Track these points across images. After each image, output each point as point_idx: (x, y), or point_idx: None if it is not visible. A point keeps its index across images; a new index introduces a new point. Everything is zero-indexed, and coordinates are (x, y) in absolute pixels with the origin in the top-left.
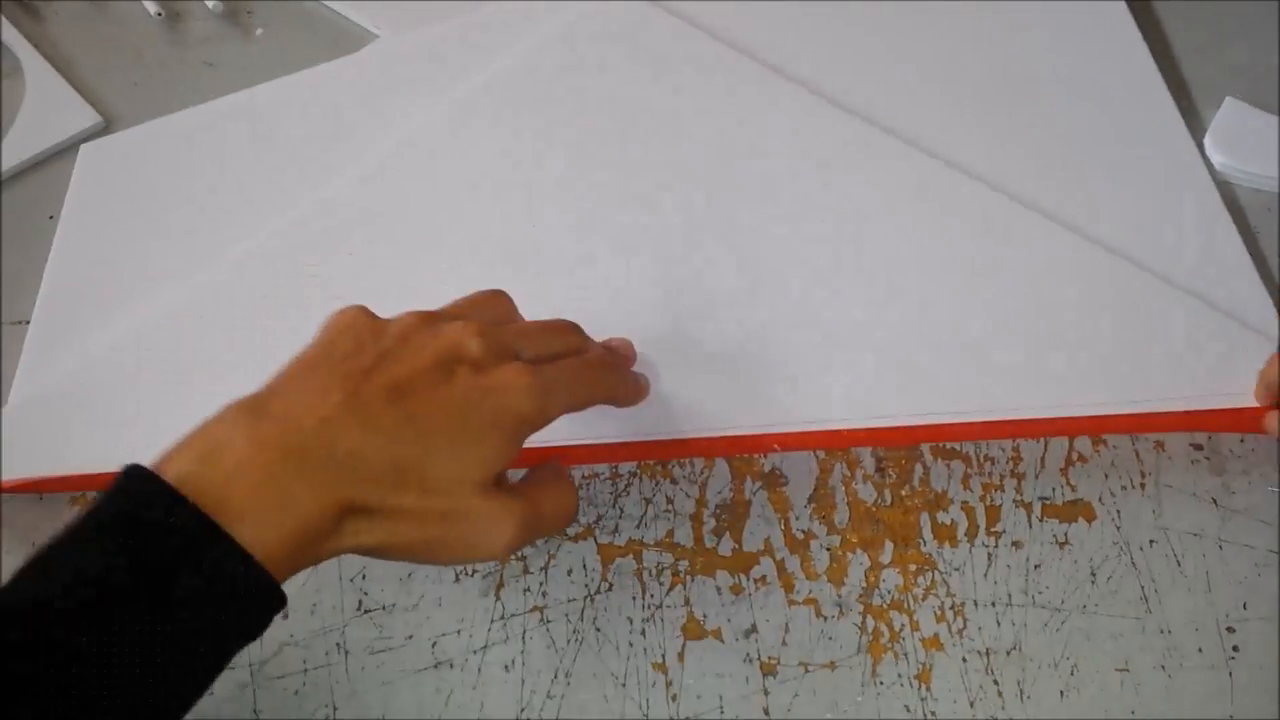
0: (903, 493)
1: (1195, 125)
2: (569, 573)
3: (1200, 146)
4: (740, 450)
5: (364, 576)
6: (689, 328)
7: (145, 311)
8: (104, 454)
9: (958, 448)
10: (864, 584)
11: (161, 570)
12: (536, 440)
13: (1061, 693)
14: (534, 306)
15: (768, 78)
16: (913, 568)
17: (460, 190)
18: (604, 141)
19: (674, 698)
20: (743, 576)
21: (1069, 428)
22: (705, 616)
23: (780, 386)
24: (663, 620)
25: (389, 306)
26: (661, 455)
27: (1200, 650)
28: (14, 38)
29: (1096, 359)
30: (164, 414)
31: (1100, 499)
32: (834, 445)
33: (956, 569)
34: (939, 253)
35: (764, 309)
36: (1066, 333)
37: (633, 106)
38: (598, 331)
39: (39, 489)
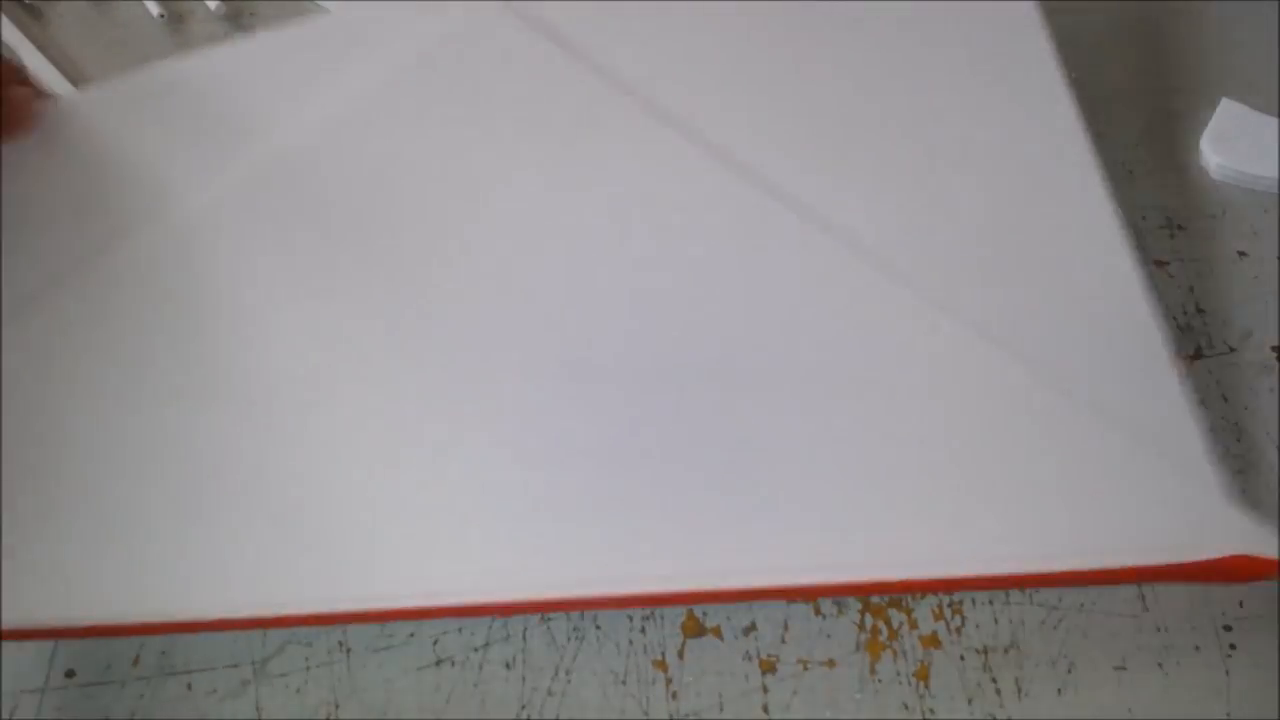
0: None
1: (1192, 126)
2: None
3: (1197, 148)
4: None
5: None
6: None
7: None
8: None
9: None
10: None
11: None
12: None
13: (1059, 690)
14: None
15: (654, 128)
16: None
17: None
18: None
19: (674, 695)
20: None
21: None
22: (705, 614)
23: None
24: (662, 618)
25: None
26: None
27: (1197, 649)
28: (16, 39)
29: (1011, 500)
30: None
31: None
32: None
33: None
34: (843, 360)
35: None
36: (985, 468)
37: (492, 135)
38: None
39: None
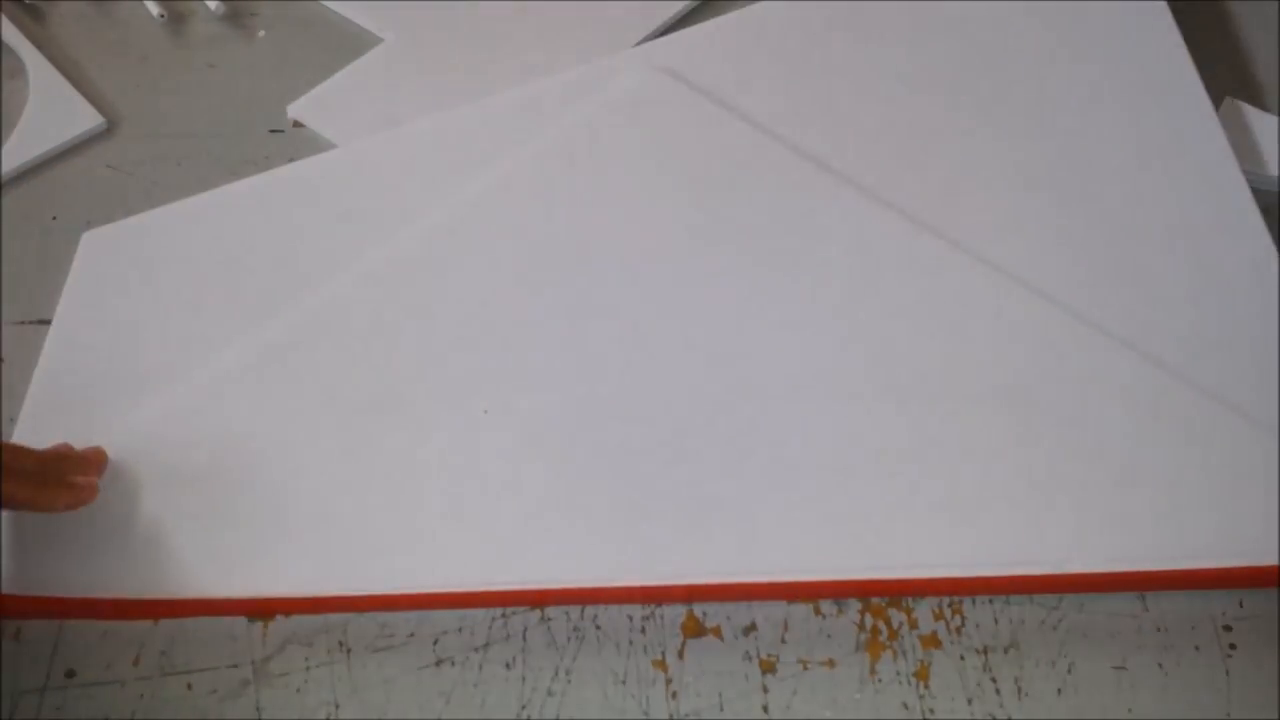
0: None
1: None
2: None
3: None
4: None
5: None
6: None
7: (145, 415)
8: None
9: None
10: None
11: None
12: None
13: (1059, 690)
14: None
15: (798, 165)
16: None
17: (480, 281)
18: (622, 231)
19: (674, 695)
20: None
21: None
22: (705, 614)
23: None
24: (662, 618)
25: (410, 395)
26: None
27: (1197, 649)
28: (17, 39)
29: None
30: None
31: None
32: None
33: None
34: (982, 373)
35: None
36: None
37: (655, 194)
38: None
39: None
